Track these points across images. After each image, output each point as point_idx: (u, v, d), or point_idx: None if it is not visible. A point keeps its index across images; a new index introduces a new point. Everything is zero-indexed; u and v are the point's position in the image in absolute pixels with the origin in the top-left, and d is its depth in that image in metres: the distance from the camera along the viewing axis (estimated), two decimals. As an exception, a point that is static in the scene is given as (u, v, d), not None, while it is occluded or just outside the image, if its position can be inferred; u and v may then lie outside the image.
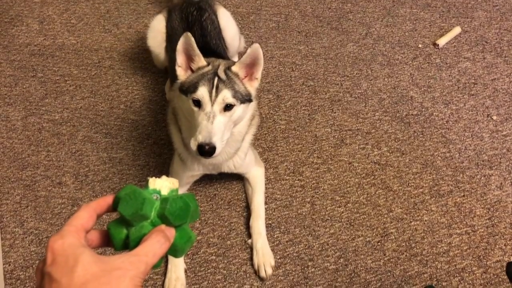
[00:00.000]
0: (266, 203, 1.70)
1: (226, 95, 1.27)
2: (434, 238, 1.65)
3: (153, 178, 0.63)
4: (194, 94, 1.27)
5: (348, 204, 1.72)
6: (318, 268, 1.57)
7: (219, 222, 1.65)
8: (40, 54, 2.07)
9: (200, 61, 1.34)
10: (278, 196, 1.72)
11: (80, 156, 1.78)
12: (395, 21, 2.30)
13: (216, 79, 1.27)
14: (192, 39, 1.30)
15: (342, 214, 1.69)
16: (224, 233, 1.63)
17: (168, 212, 0.58)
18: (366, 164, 1.81)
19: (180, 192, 0.65)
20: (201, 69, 1.33)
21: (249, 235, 1.60)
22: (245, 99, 1.33)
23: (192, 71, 1.35)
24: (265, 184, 1.73)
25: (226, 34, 1.81)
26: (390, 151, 1.85)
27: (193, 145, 1.26)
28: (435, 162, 1.83)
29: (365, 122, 1.93)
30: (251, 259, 1.57)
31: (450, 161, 1.84)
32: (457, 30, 2.24)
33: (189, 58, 1.35)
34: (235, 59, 1.98)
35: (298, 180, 1.76)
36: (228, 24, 1.82)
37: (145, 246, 0.55)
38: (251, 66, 1.35)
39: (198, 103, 1.28)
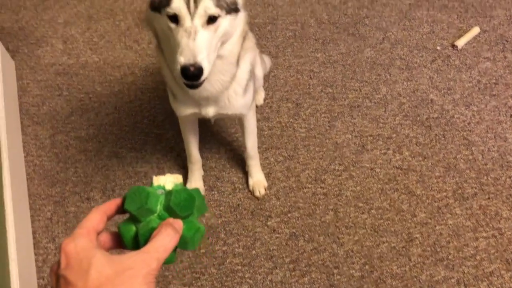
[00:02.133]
0: (289, 211, 1.72)
1: (207, 4, 1.04)
2: (460, 242, 1.64)
3: (157, 176, 0.64)
4: (168, 7, 1.04)
5: (372, 210, 1.72)
6: (344, 276, 1.57)
7: (243, 232, 1.67)
8: (64, 73, 2.13)
9: None
10: (301, 204, 1.73)
11: (106, 171, 1.84)
12: (412, 24, 2.29)
13: None
14: None
15: (366, 221, 1.70)
16: (249, 243, 1.65)
17: (173, 203, 0.59)
18: (388, 170, 1.82)
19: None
20: None
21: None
22: (231, 8, 1.11)
23: None
24: (287, 193, 1.76)
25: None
26: (412, 156, 1.85)
27: (177, 69, 1.06)
28: (458, 165, 1.82)
29: (385, 127, 1.93)
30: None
31: (473, 163, 1.82)
32: (475, 30, 2.22)
33: None
34: (262, 92, 2.00)
35: (321, 187, 1.78)
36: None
37: (155, 241, 0.55)
38: None
39: (175, 19, 1.06)
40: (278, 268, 1.59)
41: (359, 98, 2.03)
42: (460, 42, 2.17)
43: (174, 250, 0.60)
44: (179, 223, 0.59)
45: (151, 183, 0.63)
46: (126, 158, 1.87)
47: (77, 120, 1.98)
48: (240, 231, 1.68)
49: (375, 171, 1.82)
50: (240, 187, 1.78)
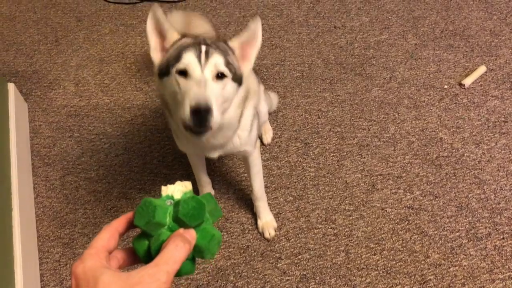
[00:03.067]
0: (299, 253, 1.69)
1: (217, 60, 1.06)
2: (475, 284, 1.59)
3: (166, 185, 0.62)
4: (178, 63, 1.05)
5: (384, 251, 1.69)
6: (357, 320, 1.53)
7: (253, 274, 1.64)
8: (76, 114, 2.17)
9: (174, 35, 1.15)
10: (311, 245, 1.71)
11: (115, 212, 1.83)
12: (418, 63, 2.32)
13: (203, 46, 1.07)
14: (160, 11, 1.12)
15: (378, 262, 1.66)
16: (259, 286, 1.62)
17: (181, 213, 0.57)
18: (399, 209, 1.79)
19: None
20: (179, 42, 1.13)
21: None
22: (236, 77, 1.13)
23: (166, 51, 1.15)
24: (297, 234, 1.73)
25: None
26: (423, 195, 1.83)
27: (185, 113, 1.01)
28: (470, 204, 1.80)
29: (395, 166, 1.92)
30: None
31: (486, 202, 1.80)
32: (482, 69, 2.24)
33: (162, 36, 1.16)
34: (270, 131, 2.03)
35: (331, 228, 1.75)
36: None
37: (164, 254, 0.54)
38: (246, 45, 1.18)
39: (184, 74, 1.06)
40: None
41: (367, 137, 2.03)
42: (467, 81, 2.19)
43: (192, 260, 0.59)
44: (191, 233, 0.58)
45: (160, 194, 0.62)
46: (135, 199, 1.87)
47: (87, 161, 2.00)
48: (250, 273, 1.65)
49: (386, 211, 1.79)
50: (249, 228, 1.76)
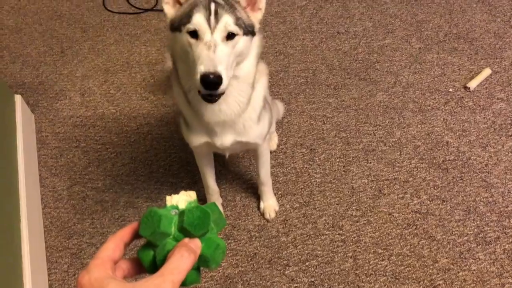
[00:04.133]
0: (307, 260, 1.69)
1: (227, 21, 1.08)
2: (485, 289, 1.58)
3: (171, 195, 0.62)
4: (188, 24, 1.09)
5: (392, 257, 1.68)
6: (366, 326, 1.52)
7: (261, 282, 1.64)
8: (82, 125, 2.18)
9: None
10: (319, 252, 1.70)
11: (123, 221, 1.84)
12: (423, 67, 2.32)
13: (213, 4, 1.09)
14: None
15: (386, 268, 1.65)
16: (267, 293, 1.62)
17: (186, 223, 0.57)
18: (407, 214, 1.79)
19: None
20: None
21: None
22: (248, 30, 1.15)
23: (180, 4, 1.18)
24: (305, 240, 1.73)
25: None
26: (430, 199, 1.82)
27: (196, 79, 1.06)
28: (478, 207, 1.79)
29: (401, 171, 1.92)
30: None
31: (494, 206, 1.79)
32: (487, 71, 2.23)
33: None
34: (275, 138, 2.03)
35: (338, 234, 1.75)
36: None
37: (169, 264, 0.54)
38: None
39: (195, 34, 1.09)
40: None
41: (373, 142, 2.02)
42: (472, 84, 2.18)
43: (197, 270, 0.59)
44: (196, 243, 0.58)
45: (165, 204, 0.62)
46: (142, 208, 1.87)
47: (94, 171, 2.01)
48: (258, 281, 1.65)
49: (393, 216, 1.79)
50: (257, 235, 1.76)
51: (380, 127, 2.08)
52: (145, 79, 2.37)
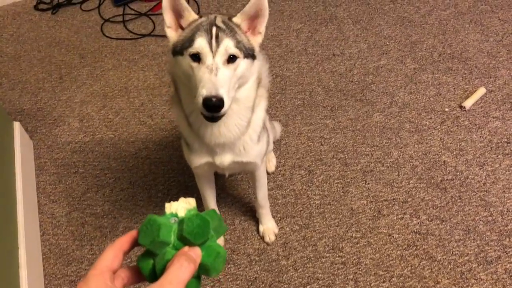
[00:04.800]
0: (308, 283, 1.67)
1: (228, 44, 1.11)
2: (488, 310, 1.57)
3: (170, 202, 0.62)
4: (190, 48, 1.12)
5: (393, 279, 1.67)
6: None
7: (262, 306, 1.63)
8: (80, 150, 2.19)
9: (191, 15, 1.20)
10: (320, 275, 1.69)
11: (122, 247, 1.82)
12: (418, 87, 2.34)
13: (214, 28, 1.12)
14: None
15: (388, 290, 1.64)
16: (268, 318, 1.60)
17: (186, 232, 0.57)
18: (407, 235, 1.78)
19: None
20: (194, 23, 1.18)
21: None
22: (249, 53, 1.18)
23: (183, 29, 1.21)
24: (305, 263, 1.72)
25: None
26: (430, 219, 1.82)
27: (198, 102, 1.08)
28: (478, 227, 1.78)
29: (400, 191, 1.92)
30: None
31: (493, 225, 1.79)
32: (482, 90, 2.25)
33: (178, 15, 1.20)
34: (273, 159, 2.05)
35: (339, 256, 1.74)
36: None
37: (168, 274, 0.54)
38: (254, 18, 1.21)
39: (197, 58, 1.12)
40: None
41: (371, 163, 2.03)
42: (468, 103, 2.20)
43: (198, 278, 0.59)
44: (196, 251, 0.57)
45: (164, 211, 0.61)
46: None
47: (93, 197, 2.00)
48: (259, 305, 1.63)
49: (393, 237, 1.78)
50: (257, 259, 1.75)
51: (378, 148, 2.09)
52: (144, 103, 2.39)
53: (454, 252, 1.72)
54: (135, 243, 0.60)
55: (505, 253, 1.70)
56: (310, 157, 2.08)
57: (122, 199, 1.99)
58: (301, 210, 1.89)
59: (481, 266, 1.68)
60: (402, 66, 2.46)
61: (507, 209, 1.83)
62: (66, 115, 2.35)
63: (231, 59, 1.13)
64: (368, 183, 1.96)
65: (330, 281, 1.67)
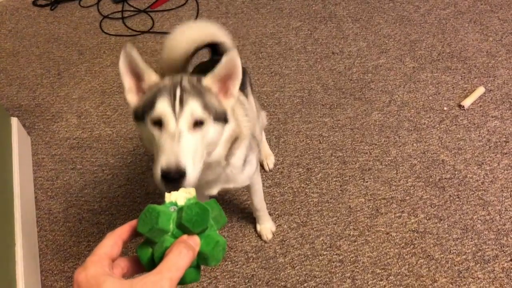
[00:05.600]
0: (305, 280, 1.67)
1: (193, 107, 0.97)
2: (485, 308, 1.57)
3: (170, 192, 0.61)
4: (152, 112, 0.97)
5: (390, 277, 1.67)
6: None
7: (259, 304, 1.62)
8: (78, 146, 2.18)
9: (151, 77, 1.04)
10: (317, 273, 1.69)
11: (119, 244, 1.82)
12: (417, 86, 2.34)
13: (179, 89, 0.98)
14: (135, 50, 1.02)
15: (385, 288, 1.64)
16: (265, 316, 1.60)
17: (184, 220, 0.56)
18: (404, 233, 1.78)
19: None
20: (157, 85, 1.03)
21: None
22: (220, 116, 1.04)
23: (144, 92, 1.06)
24: (302, 261, 1.72)
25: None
26: (428, 218, 1.82)
27: (156, 174, 0.92)
28: (476, 226, 1.78)
29: (398, 190, 1.92)
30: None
31: (491, 224, 1.79)
32: (481, 90, 2.25)
33: (138, 77, 1.06)
34: (271, 157, 2.04)
35: (336, 254, 1.74)
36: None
37: (167, 261, 0.54)
38: (226, 80, 1.08)
39: (159, 123, 0.97)
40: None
41: (369, 161, 2.03)
42: (467, 102, 2.20)
43: (197, 267, 0.59)
44: (194, 239, 0.57)
45: (164, 201, 0.61)
46: (138, 230, 1.86)
47: (90, 193, 2.00)
48: (256, 303, 1.63)
49: (391, 235, 1.78)
50: (254, 256, 1.75)
51: (376, 146, 2.08)
52: (142, 100, 2.38)
53: (451, 251, 1.72)
54: (134, 233, 0.60)
55: (502, 252, 1.70)
56: (308, 155, 2.08)
57: (120, 195, 1.99)
58: (299, 208, 1.89)
59: (479, 265, 1.68)
60: (401, 65, 2.45)
61: (505, 208, 1.82)
62: (64, 111, 2.34)
63: (198, 124, 0.98)
64: (366, 181, 1.96)
65: (327, 279, 1.67)
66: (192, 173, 0.94)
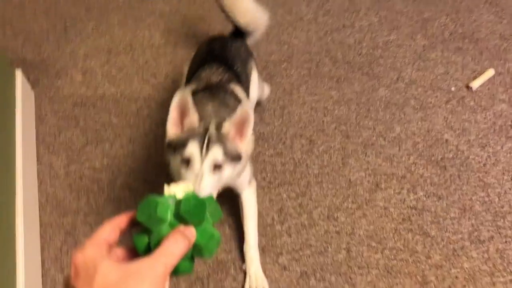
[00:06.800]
0: (300, 249, 1.69)
1: (216, 153, 1.22)
2: (476, 287, 1.59)
3: (169, 185, 0.64)
4: (183, 151, 1.22)
5: (385, 251, 1.68)
6: (356, 318, 1.53)
7: (254, 268, 1.64)
8: (82, 104, 2.17)
9: (195, 117, 1.27)
10: (313, 242, 1.71)
11: (118, 202, 1.83)
12: (426, 65, 2.31)
13: (207, 137, 1.23)
14: (190, 96, 1.26)
15: (379, 261, 1.66)
16: None
17: (182, 210, 0.58)
18: (402, 209, 1.79)
19: None
20: (193, 129, 1.27)
21: (243, 260, 1.63)
22: (235, 157, 1.29)
23: (182, 127, 1.30)
24: (299, 230, 1.73)
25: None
26: (427, 196, 1.82)
27: None
28: (474, 206, 1.79)
29: (399, 166, 1.92)
30: (243, 286, 1.60)
31: (490, 205, 1.79)
32: (490, 72, 2.23)
33: (183, 113, 1.29)
34: (267, 88, 2.08)
35: (333, 225, 1.75)
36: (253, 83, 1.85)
37: (163, 247, 0.55)
38: (241, 126, 1.30)
39: (187, 161, 1.23)
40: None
41: (373, 137, 2.02)
42: (475, 84, 2.18)
43: (191, 259, 0.60)
44: (191, 230, 0.59)
45: (163, 193, 0.63)
46: (138, 190, 1.87)
47: (92, 151, 2.00)
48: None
49: (389, 210, 1.79)
50: (252, 222, 1.76)
51: (381, 122, 2.07)
52: (148, 61, 2.36)
53: (448, 229, 1.73)
54: (132, 223, 0.62)
55: (498, 234, 1.71)
56: (312, 127, 2.07)
57: (121, 155, 1.99)
58: (299, 178, 1.89)
59: (474, 244, 1.69)
60: (411, 42, 2.42)
61: (505, 191, 1.83)
62: (69, 68, 2.32)
63: (218, 167, 1.23)
64: (368, 156, 1.95)
65: (323, 249, 1.69)
66: None
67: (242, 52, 1.81)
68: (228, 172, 1.27)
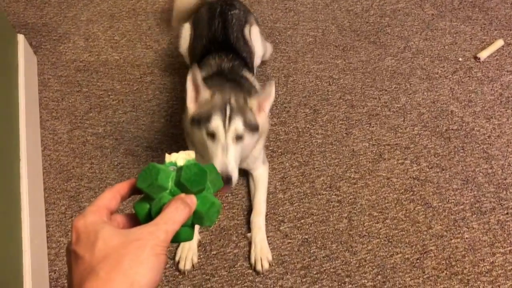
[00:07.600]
0: (302, 217, 1.70)
1: (237, 125, 1.32)
2: (475, 257, 1.60)
3: (170, 153, 0.64)
4: (208, 124, 1.32)
5: (386, 220, 1.69)
6: (355, 285, 1.55)
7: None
8: (85, 69, 2.15)
9: (206, 92, 1.38)
10: (315, 211, 1.72)
11: (121, 168, 1.84)
12: (434, 34, 2.27)
13: (228, 109, 1.33)
14: (199, 72, 1.36)
15: (380, 230, 1.67)
16: (261, 247, 1.63)
17: (183, 178, 0.59)
18: (405, 180, 1.79)
19: None
20: (211, 100, 1.37)
21: (249, 230, 1.65)
22: (254, 128, 1.38)
23: (196, 100, 1.41)
24: (301, 199, 1.74)
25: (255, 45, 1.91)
26: (430, 167, 1.82)
27: None
28: (477, 178, 1.79)
29: (403, 137, 1.91)
30: (249, 254, 1.61)
31: (493, 177, 1.79)
32: (499, 43, 2.19)
33: (196, 91, 1.40)
34: (269, 47, 2.10)
35: (335, 195, 1.76)
36: (255, 38, 1.93)
37: (164, 214, 0.56)
38: (263, 101, 1.42)
39: (212, 134, 1.33)
40: (289, 273, 1.58)
41: (378, 107, 2.01)
42: (483, 54, 2.14)
43: (191, 226, 0.61)
44: (191, 198, 0.59)
45: (164, 161, 0.63)
46: (141, 157, 1.87)
47: (95, 117, 1.99)
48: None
49: (391, 180, 1.79)
50: (254, 190, 1.77)
51: (386, 92, 2.05)
52: (151, 27, 2.32)
53: (450, 200, 1.74)
54: (133, 190, 0.62)
55: (500, 205, 1.72)
56: (316, 96, 2.05)
57: (125, 121, 1.98)
58: (302, 148, 1.89)
59: (475, 215, 1.70)
60: (420, 11, 2.37)
61: (508, 163, 1.82)
62: (71, 33, 2.29)
63: (239, 137, 1.33)
64: (373, 127, 1.94)
65: (324, 217, 1.70)
66: (235, 176, 1.31)
67: (241, 17, 1.87)
68: (248, 141, 1.37)
